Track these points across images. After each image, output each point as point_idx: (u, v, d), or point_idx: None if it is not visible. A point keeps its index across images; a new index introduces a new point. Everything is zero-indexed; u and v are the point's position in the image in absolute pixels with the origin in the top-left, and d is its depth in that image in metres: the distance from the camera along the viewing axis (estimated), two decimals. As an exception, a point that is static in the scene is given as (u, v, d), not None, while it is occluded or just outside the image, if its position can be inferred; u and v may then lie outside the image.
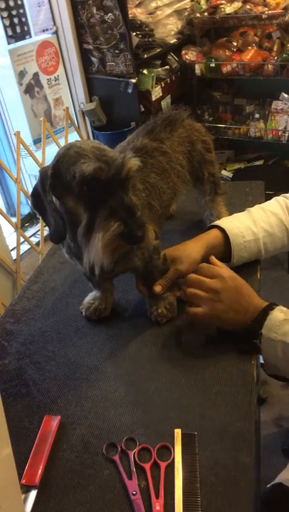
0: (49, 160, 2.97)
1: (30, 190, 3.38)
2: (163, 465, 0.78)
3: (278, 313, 0.90)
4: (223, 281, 0.94)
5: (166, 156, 1.12)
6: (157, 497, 0.74)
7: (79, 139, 3.11)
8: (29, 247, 3.02)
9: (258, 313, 0.92)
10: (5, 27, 2.63)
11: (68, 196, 0.86)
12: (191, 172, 1.21)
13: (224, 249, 1.11)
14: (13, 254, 2.65)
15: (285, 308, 0.92)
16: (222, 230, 1.12)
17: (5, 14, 2.61)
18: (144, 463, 0.79)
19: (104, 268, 0.84)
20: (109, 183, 0.82)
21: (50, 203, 0.87)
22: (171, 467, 0.78)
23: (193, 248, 1.08)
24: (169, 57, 3.16)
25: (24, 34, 2.74)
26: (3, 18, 2.60)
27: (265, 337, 0.90)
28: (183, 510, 0.72)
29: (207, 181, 1.26)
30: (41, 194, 0.88)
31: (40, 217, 0.95)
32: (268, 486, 0.86)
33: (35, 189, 0.91)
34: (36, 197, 0.91)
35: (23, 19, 2.71)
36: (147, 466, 0.78)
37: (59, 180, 0.85)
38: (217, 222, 1.14)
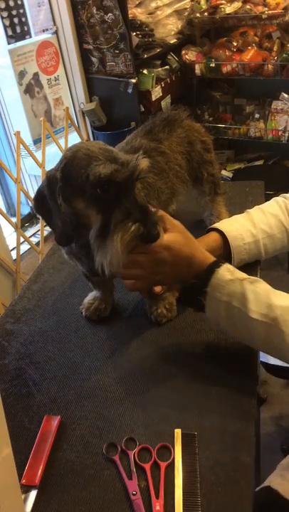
0: (49, 160, 2.98)
1: (30, 190, 3.39)
2: (163, 465, 0.78)
3: (225, 273, 0.89)
4: (156, 254, 0.89)
5: (165, 156, 1.12)
6: (157, 497, 0.74)
7: (79, 139, 3.11)
8: (29, 247, 3.02)
9: (203, 271, 0.91)
10: (5, 27, 2.63)
11: (78, 199, 0.86)
12: (190, 172, 1.21)
13: (224, 252, 1.10)
14: (13, 254, 2.65)
15: (231, 267, 0.91)
16: (221, 232, 1.11)
17: (5, 14, 2.61)
18: (144, 463, 0.79)
19: (121, 268, 0.85)
20: (123, 184, 0.82)
21: (60, 206, 0.86)
22: (171, 467, 0.78)
23: (191, 242, 1.05)
24: (169, 57, 3.16)
25: (24, 34, 2.74)
26: (3, 18, 2.60)
27: (209, 295, 0.89)
28: (183, 510, 0.72)
29: (206, 181, 1.26)
30: (47, 197, 0.88)
31: (43, 221, 0.95)
32: (257, 489, 0.85)
33: (39, 192, 0.90)
34: (40, 200, 0.90)
35: (23, 19, 2.71)
36: (147, 466, 0.78)
37: (68, 183, 0.85)
38: (216, 225, 1.13)
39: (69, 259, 1.02)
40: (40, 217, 1.04)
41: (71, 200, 0.86)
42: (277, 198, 1.20)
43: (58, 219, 0.87)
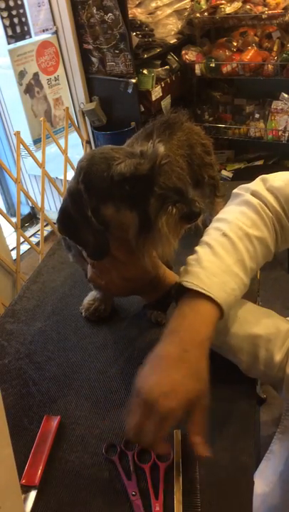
0: (49, 160, 2.97)
1: (30, 190, 3.39)
2: (162, 466, 0.78)
3: None
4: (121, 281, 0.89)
5: None
6: (157, 498, 0.74)
7: (79, 139, 3.11)
8: (29, 247, 3.02)
9: (164, 293, 0.91)
10: (5, 27, 2.63)
11: (107, 205, 0.82)
12: (191, 175, 1.21)
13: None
14: (13, 254, 2.65)
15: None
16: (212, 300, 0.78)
17: (5, 14, 2.61)
18: (143, 464, 0.79)
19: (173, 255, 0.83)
20: (150, 174, 0.80)
21: (90, 218, 0.82)
22: (170, 468, 0.78)
23: (204, 364, 0.75)
24: (169, 57, 3.15)
25: (24, 34, 2.74)
26: (3, 18, 2.60)
27: (168, 316, 0.92)
28: (183, 510, 0.72)
29: (207, 184, 1.26)
30: (74, 214, 0.84)
31: (72, 241, 0.91)
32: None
33: (63, 212, 0.86)
34: (66, 220, 0.86)
35: (23, 19, 2.71)
36: (147, 467, 0.78)
37: (93, 193, 0.82)
38: (207, 289, 0.77)
39: (75, 261, 1.01)
40: (65, 237, 0.94)
41: (100, 208, 0.83)
42: (245, 196, 0.93)
43: (89, 234, 0.84)
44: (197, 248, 0.86)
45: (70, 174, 3.05)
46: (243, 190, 0.95)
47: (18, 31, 2.70)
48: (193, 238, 0.90)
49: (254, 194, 0.92)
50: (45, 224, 3.05)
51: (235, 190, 0.97)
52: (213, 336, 0.78)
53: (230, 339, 0.85)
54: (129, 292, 0.95)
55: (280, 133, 3.16)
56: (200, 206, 0.82)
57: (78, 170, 0.84)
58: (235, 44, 3.09)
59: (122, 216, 0.83)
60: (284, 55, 2.88)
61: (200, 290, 0.77)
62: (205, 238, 0.87)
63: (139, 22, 2.85)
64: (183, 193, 0.81)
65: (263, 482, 0.94)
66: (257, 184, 0.94)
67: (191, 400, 0.70)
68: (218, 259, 0.82)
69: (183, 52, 3.16)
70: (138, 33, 2.83)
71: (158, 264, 0.90)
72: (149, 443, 0.70)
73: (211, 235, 0.87)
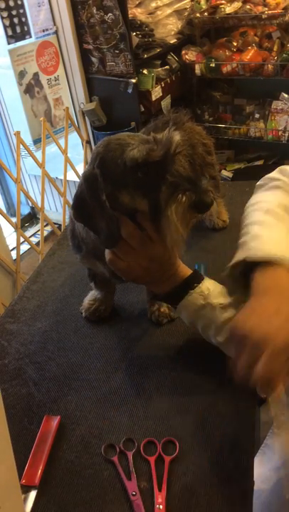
0: (49, 160, 2.97)
1: (30, 190, 3.39)
2: (167, 459, 0.78)
3: (198, 297, 0.89)
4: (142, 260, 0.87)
5: None
6: (160, 489, 0.74)
7: (79, 139, 3.11)
8: (29, 247, 3.02)
9: (177, 285, 0.90)
10: (5, 27, 2.62)
11: (122, 191, 0.82)
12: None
13: None
14: (13, 254, 2.65)
15: (206, 291, 0.89)
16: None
17: (5, 14, 2.61)
18: (149, 456, 0.79)
19: (184, 243, 0.82)
20: (162, 161, 0.80)
21: (104, 203, 0.82)
22: (175, 461, 0.78)
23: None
24: (169, 57, 3.15)
25: (24, 34, 2.74)
26: (3, 18, 2.60)
27: (178, 311, 0.92)
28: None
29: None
30: (87, 199, 0.84)
31: (87, 228, 0.90)
32: None
33: (78, 198, 0.86)
34: (80, 206, 0.86)
35: (23, 19, 2.71)
36: (152, 459, 0.79)
37: (108, 178, 0.82)
38: (283, 258, 0.79)
39: (83, 262, 1.01)
40: (81, 225, 0.94)
41: (115, 195, 0.83)
42: (272, 183, 0.97)
43: (103, 220, 0.83)
44: (244, 231, 0.87)
45: (70, 174, 3.05)
46: (265, 180, 0.98)
47: (18, 31, 2.70)
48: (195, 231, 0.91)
49: (277, 181, 0.95)
50: (45, 224, 3.05)
51: (258, 182, 1.00)
52: None
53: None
54: (147, 278, 0.92)
55: (280, 133, 3.16)
56: (213, 196, 0.81)
57: (94, 155, 0.84)
58: (235, 44, 3.09)
59: (136, 203, 0.83)
60: (284, 55, 2.88)
61: (278, 260, 0.77)
62: (247, 221, 0.89)
63: (139, 22, 2.85)
64: (195, 182, 0.80)
65: (258, 478, 0.94)
66: (277, 172, 0.99)
67: None
68: (275, 229, 0.84)
69: (183, 52, 3.16)
70: (138, 33, 2.83)
71: (175, 255, 0.90)
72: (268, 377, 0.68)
73: (252, 216, 0.90)
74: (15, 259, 2.61)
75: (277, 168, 1.00)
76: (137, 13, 2.87)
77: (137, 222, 0.85)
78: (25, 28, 2.73)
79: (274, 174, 0.99)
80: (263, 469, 0.96)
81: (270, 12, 2.93)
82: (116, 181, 0.82)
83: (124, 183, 0.81)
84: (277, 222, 0.86)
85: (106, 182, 0.82)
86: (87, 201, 0.84)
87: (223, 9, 3.01)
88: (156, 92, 2.97)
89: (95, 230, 0.87)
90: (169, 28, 3.07)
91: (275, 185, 0.94)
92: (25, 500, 0.75)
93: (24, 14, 2.70)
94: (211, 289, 0.89)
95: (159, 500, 0.73)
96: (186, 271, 0.92)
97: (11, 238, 2.94)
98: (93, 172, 0.82)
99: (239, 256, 0.83)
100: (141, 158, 0.79)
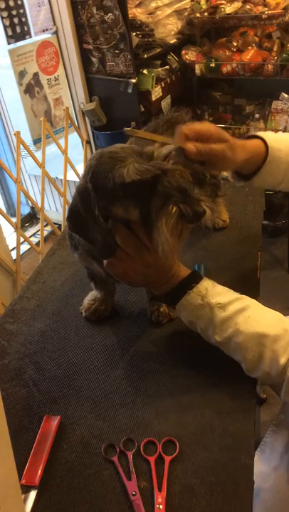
0: (49, 160, 2.97)
1: (30, 190, 3.40)
2: (168, 459, 0.78)
3: (196, 297, 0.89)
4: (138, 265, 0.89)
5: None
6: (160, 489, 0.74)
7: (79, 139, 3.11)
8: (29, 247, 3.03)
9: (175, 285, 0.91)
10: (5, 27, 2.62)
11: (115, 205, 0.83)
12: (193, 174, 1.21)
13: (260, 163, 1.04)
14: (13, 254, 2.65)
15: (204, 291, 0.89)
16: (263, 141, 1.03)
17: (5, 14, 2.61)
18: (149, 456, 0.79)
19: (178, 252, 0.83)
20: (152, 180, 0.79)
21: (98, 217, 0.83)
22: (175, 461, 0.78)
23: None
24: (169, 57, 3.15)
25: (24, 34, 2.74)
26: (3, 18, 2.60)
27: (177, 310, 0.93)
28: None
29: (209, 183, 1.27)
30: (81, 212, 0.84)
31: (82, 238, 0.91)
32: None
33: (72, 211, 0.87)
34: (75, 218, 0.87)
35: (23, 19, 2.71)
36: (152, 459, 0.79)
37: (100, 192, 0.82)
38: (261, 134, 1.05)
39: (81, 260, 1.01)
40: (77, 236, 0.96)
41: (108, 208, 0.83)
42: None
43: (97, 232, 0.84)
44: None
45: (70, 174, 3.05)
46: None
47: (18, 31, 2.70)
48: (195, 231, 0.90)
49: None
50: (45, 224, 3.05)
51: None
52: (250, 162, 0.99)
53: (238, 337, 0.86)
54: (144, 282, 0.93)
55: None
56: (206, 205, 0.81)
57: (87, 168, 0.84)
58: (235, 44, 3.09)
59: (130, 214, 0.83)
60: (284, 55, 2.88)
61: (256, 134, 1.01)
62: None
63: (139, 22, 2.85)
64: (186, 192, 0.80)
65: (257, 476, 0.94)
66: None
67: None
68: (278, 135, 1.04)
69: (183, 52, 3.16)
70: (138, 33, 2.83)
71: (174, 257, 0.90)
72: None
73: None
74: (15, 259, 2.61)
75: None
76: (137, 13, 2.87)
77: (132, 229, 0.86)
78: (25, 28, 2.73)
79: None
80: (262, 467, 0.97)
81: (270, 12, 2.93)
82: (108, 195, 0.82)
83: (116, 196, 0.81)
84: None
85: (99, 196, 0.82)
86: (81, 213, 0.85)
87: (223, 9, 3.01)
88: (156, 92, 2.97)
89: (91, 240, 0.87)
90: (169, 28, 3.07)
91: None
92: (25, 500, 0.75)
93: (24, 14, 2.70)
94: (209, 288, 0.89)
95: (159, 500, 0.73)
96: (184, 272, 0.92)
97: (11, 238, 2.94)
98: (86, 186, 0.83)
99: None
100: (129, 179, 0.78)
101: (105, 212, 0.84)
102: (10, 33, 2.66)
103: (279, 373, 0.83)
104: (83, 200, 0.84)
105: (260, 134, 1.05)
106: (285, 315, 0.92)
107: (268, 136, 1.04)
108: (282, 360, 0.82)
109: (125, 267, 0.89)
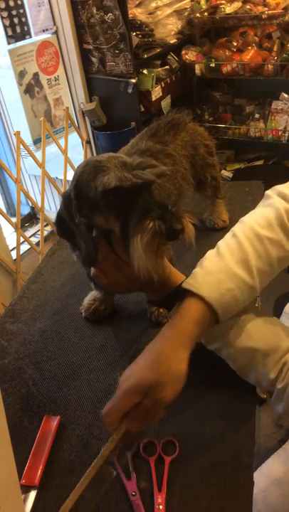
0: (49, 160, 2.97)
1: (30, 190, 3.40)
2: (168, 459, 0.78)
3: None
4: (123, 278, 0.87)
5: (171, 158, 1.12)
6: (160, 490, 0.74)
7: (79, 139, 3.11)
8: (29, 247, 3.02)
9: (169, 292, 0.89)
10: (5, 27, 2.62)
11: (96, 214, 0.82)
12: (194, 175, 1.21)
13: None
14: (13, 254, 2.65)
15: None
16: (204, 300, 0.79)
17: (5, 14, 2.61)
18: (149, 456, 0.79)
19: (155, 271, 0.79)
20: (133, 189, 0.78)
21: (79, 225, 0.83)
22: (175, 462, 0.78)
23: (176, 359, 0.76)
24: (169, 57, 3.15)
25: (24, 34, 2.74)
26: (3, 18, 2.60)
27: (171, 314, 0.88)
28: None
29: (209, 185, 1.27)
30: (67, 219, 0.85)
31: (70, 244, 0.92)
32: None
33: (58, 216, 0.87)
34: (61, 224, 0.87)
35: (23, 19, 2.71)
36: (152, 460, 0.79)
37: (83, 201, 0.82)
38: (198, 288, 0.79)
39: (79, 260, 1.01)
40: (67, 242, 0.95)
41: (90, 216, 0.83)
42: (273, 199, 0.91)
43: (80, 239, 0.84)
44: (209, 251, 0.87)
45: (70, 174, 3.05)
46: (273, 192, 0.93)
47: (18, 31, 2.70)
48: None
49: (284, 197, 0.90)
50: (45, 224, 3.05)
51: (267, 192, 0.95)
52: (201, 335, 0.81)
53: (230, 348, 0.85)
54: (131, 291, 0.95)
55: (280, 133, 3.16)
56: (189, 221, 0.79)
57: (74, 176, 0.84)
58: (235, 44, 3.09)
59: (110, 225, 0.82)
60: (284, 55, 2.88)
61: (191, 289, 0.79)
62: (220, 241, 0.88)
63: (139, 22, 2.85)
64: (166, 208, 0.78)
65: (268, 479, 0.94)
66: (288, 187, 0.93)
67: (137, 387, 0.73)
68: (220, 259, 0.83)
69: (183, 52, 3.16)
70: (138, 33, 2.83)
71: (165, 264, 0.89)
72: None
73: (225, 237, 0.88)
74: (15, 259, 2.61)
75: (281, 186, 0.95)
76: (137, 13, 2.87)
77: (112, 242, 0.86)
78: (25, 28, 2.73)
79: (283, 187, 0.93)
80: (275, 472, 0.96)
81: (270, 12, 2.93)
82: (89, 204, 0.82)
83: (97, 206, 0.81)
84: (232, 251, 0.83)
85: (80, 204, 0.82)
86: (65, 220, 0.85)
87: (223, 9, 3.01)
88: (156, 92, 2.97)
89: (77, 246, 0.88)
90: (169, 28, 3.07)
91: (270, 203, 0.91)
92: (25, 500, 0.75)
93: (24, 14, 2.70)
94: None
95: (159, 500, 0.73)
96: (177, 277, 0.90)
97: (11, 238, 2.94)
98: (70, 194, 0.83)
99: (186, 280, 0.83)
100: (108, 186, 0.77)
101: (89, 221, 0.84)
102: (10, 33, 2.66)
103: (269, 386, 0.83)
104: (66, 207, 0.85)
105: (198, 287, 0.80)
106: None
107: (209, 288, 0.80)
108: (272, 376, 0.82)
109: (109, 280, 0.89)
